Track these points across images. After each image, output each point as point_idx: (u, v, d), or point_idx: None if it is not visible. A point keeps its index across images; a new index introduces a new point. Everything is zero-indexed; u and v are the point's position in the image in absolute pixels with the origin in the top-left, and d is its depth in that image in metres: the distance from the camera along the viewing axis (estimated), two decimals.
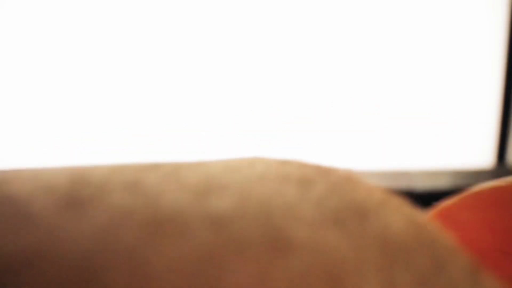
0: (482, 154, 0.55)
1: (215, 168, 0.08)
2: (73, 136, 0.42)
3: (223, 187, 0.07)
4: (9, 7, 0.39)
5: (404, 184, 0.50)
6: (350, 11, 0.48)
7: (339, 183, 0.08)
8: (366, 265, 0.07)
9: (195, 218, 0.07)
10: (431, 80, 0.52)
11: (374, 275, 0.07)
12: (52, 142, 0.41)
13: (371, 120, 0.50)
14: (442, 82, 0.52)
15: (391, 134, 0.51)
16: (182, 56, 0.44)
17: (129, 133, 0.43)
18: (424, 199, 0.50)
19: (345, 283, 0.06)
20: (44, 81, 0.41)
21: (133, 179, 0.07)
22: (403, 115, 0.51)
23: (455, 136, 0.53)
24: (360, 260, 0.07)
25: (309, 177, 0.08)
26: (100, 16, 0.42)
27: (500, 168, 0.55)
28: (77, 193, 0.07)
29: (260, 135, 0.46)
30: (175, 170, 0.08)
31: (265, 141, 0.46)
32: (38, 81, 0.41)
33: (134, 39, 0.43)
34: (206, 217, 0.07)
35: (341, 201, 0.07)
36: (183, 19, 0.44)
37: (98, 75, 0.42)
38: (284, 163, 0.09)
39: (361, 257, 0.07)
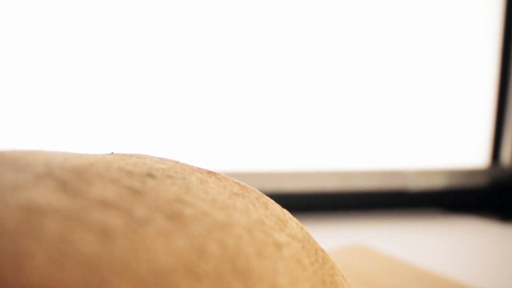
0: (476, 154, 0.55)
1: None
2: (69, 135, 0.41)
3: None
4: (8, 7, 0.39)
5: (399, 183, 0.50)
6: (348, 13, 0.48)
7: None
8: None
9: None
10: (426, 81, 0.52)
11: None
12: (50, 141, 0.41)
13: (366, 120, 0.50)
14: (437, 83, 0.53)
15: (386, 134, 0.51)
16: (177, 58, 0.44)
17: (125, 132, 0.43)
18: (419, 198, 0.50)
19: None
20: (43, 81, 0.41)
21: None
22: (398, 115, 0.51)
23: (449, 136, 0.53)
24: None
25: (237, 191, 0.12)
26: (97, 16, 0.42)
27: (494, 167, 0.55)
28: None
29: (258, 134, 0.46)
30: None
31: (262, 139, 0.46)
32: (38, 81, 0.41)
33: (129, 41, 0.43)
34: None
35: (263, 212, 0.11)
36: (181, 20, 0.44)
37: (90, 77, 0.42)
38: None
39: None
